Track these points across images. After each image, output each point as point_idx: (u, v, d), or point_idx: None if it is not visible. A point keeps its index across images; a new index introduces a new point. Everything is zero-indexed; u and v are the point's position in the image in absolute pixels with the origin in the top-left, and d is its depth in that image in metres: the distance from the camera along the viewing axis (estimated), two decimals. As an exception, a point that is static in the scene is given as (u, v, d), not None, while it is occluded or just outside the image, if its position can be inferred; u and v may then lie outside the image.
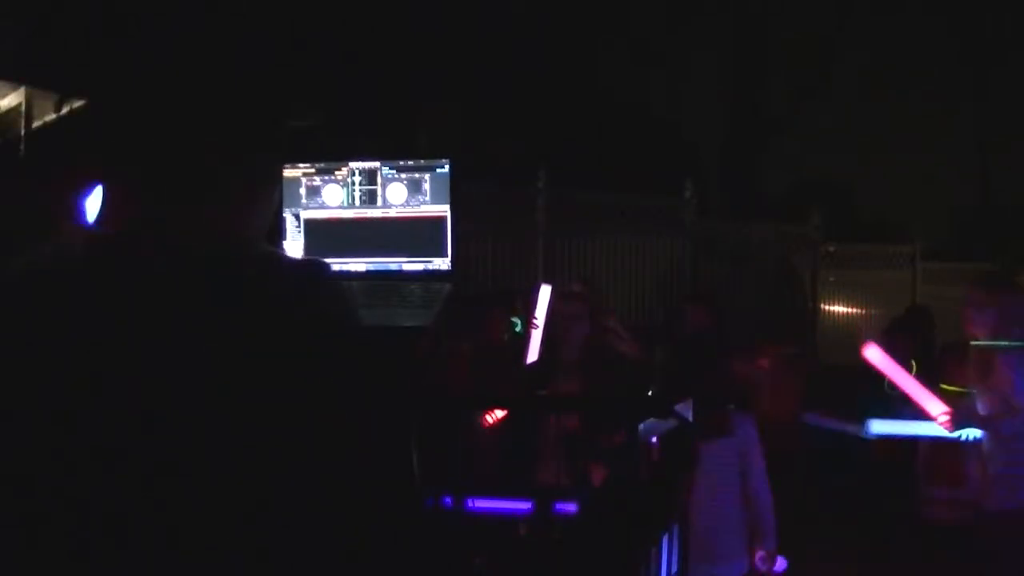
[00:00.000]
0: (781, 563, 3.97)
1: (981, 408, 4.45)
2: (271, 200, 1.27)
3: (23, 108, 7.44)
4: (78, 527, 1.06)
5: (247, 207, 1.21)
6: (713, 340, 4.37)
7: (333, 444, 1.09)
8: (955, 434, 4.50)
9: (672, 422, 2.83)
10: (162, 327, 1.06)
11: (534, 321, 5.29)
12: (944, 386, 5.07)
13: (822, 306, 12.31)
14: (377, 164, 2.23)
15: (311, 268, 1.18)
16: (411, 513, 1.16)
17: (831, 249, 12.47)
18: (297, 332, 1.08)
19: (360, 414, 1.11)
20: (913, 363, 6.43)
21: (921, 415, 4.64)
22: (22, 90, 7.42)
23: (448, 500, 2.70)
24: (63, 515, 1.06)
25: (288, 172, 2.26)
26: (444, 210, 2.20)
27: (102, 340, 1.07)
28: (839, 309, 12.33)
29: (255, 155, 1.22)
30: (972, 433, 4.47)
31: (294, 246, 2.27)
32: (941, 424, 4.50)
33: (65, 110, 7.44)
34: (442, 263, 2.21)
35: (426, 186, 2.21)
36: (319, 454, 1.07)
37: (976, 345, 4.51)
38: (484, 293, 7.34)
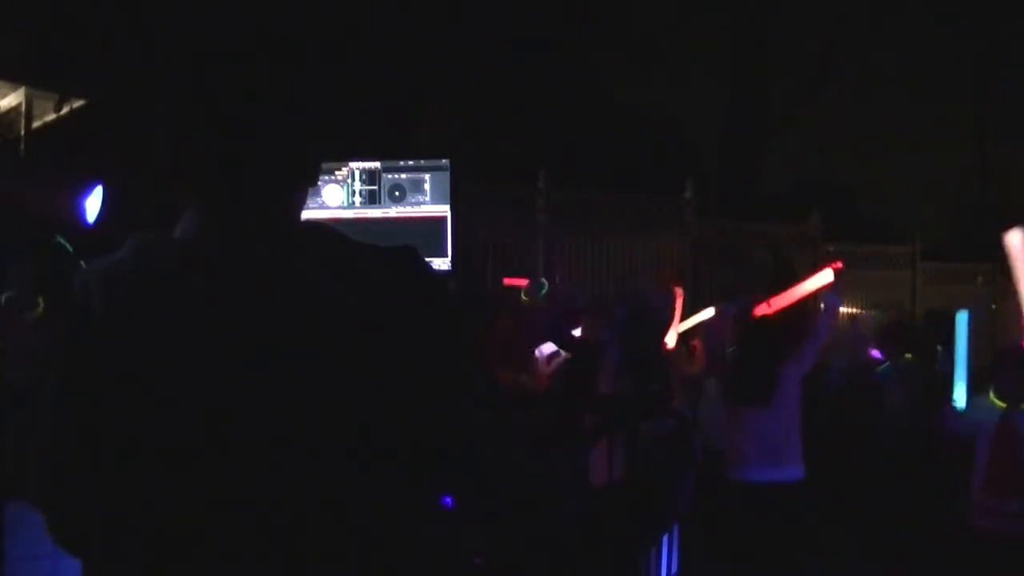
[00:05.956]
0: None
1: None
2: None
3: (23, 108, 7.43)
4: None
5: (303, 195, 1.32)
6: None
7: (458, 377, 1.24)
8: None
9: (672, 422, 2.83)
10: (305, 298, 1.17)
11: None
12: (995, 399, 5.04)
13: (822, 306, 12.29)
14: (377, 164, 2.23)
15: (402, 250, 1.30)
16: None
17: (831, 249, 12.45)
18: (412, 289, 1.22)
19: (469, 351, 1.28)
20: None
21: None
22: (22, 90, 7.41)
23: (448, 500, 2.70)
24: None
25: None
26: (444, 210, 2.20)
27: (254, 319, 1.16)
28: (839, 309, 12.31)
29: (315, 146, 1.32)
30: None
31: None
32: None
33: (65, 110, 7.44)
34: (442, 263, 2.21)
35: (426, 186, 2.21)
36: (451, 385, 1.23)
37: None
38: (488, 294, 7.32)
